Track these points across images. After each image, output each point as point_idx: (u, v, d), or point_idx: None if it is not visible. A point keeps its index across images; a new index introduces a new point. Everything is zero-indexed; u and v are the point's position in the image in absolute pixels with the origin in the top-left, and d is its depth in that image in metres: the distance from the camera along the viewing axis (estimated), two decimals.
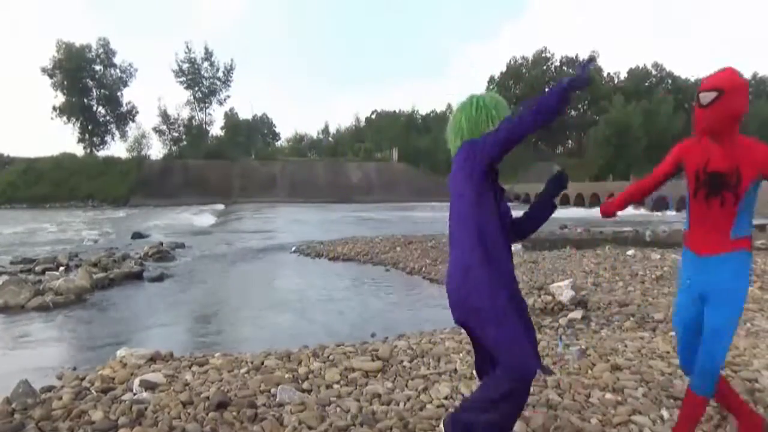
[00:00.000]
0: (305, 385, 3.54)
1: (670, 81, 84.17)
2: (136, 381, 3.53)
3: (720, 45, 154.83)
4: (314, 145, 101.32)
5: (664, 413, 2.98)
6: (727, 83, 2.21)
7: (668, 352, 4.00)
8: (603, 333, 4.85)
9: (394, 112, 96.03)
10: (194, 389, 3.44)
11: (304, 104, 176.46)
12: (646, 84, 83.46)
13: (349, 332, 5.77)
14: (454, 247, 2.31)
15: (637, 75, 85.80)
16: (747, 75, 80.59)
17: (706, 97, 2.25)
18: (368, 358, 4.03)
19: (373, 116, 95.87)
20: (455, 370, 3.75)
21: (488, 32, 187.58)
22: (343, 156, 79.59)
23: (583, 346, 4.15)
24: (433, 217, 29.23)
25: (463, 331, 5.07)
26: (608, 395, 3.22)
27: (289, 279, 9.99)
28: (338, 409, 3.14)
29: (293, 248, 14.17)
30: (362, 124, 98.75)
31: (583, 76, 1.93)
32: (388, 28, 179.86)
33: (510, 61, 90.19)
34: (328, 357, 4.14)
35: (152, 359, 4.25)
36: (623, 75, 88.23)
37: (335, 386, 3.54)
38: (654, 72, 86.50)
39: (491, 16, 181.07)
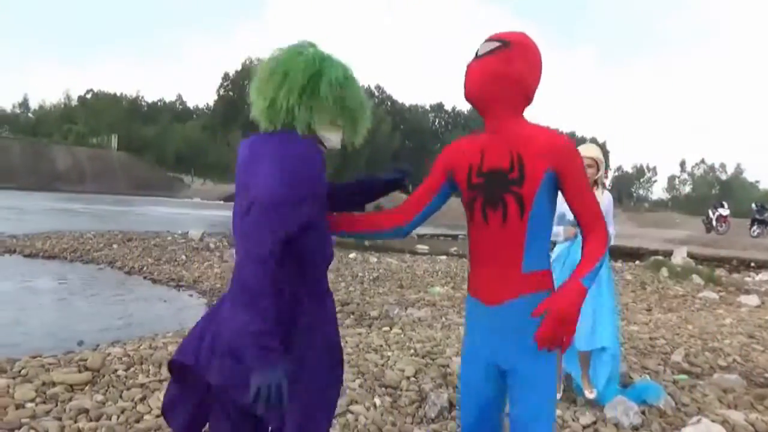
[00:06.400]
0: None
1: (389, 103, 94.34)
2: None
3: (433, 77, 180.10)
4: (7, 121, 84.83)
5: (377, 400, 3.29)
6: (517, 37, 1.62)
7: (381, 346, 4.44)
8: None
9: (115, 95, 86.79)
10: None
11: None
12: None
13: (51, 341, 4.97)
14: None
15: None
16: (447, 108, 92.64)
17: (486, 46, 1.62)
18: (74, 370, 3.53)
19: (89, 96, 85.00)
20: None
21: (224, 28, 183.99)
22: (48, 137, 68.52)
23: None
24: (161, 214, 27.22)
25: None
26: None
27: None
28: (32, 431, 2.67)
29: None
30: (74, 103, 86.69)
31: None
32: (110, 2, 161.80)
33: (245, 60, 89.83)
34: (20, 371, 3.49)
35: None
36: None
37: (29, 405, 3.00)
38: (377, 93, 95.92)
39: (228, 12, 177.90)
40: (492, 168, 1.60)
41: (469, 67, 1.63)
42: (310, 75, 1.50)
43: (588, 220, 1.60)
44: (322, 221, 1.59)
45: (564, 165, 1.55)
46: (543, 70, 1.67)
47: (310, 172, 1.47)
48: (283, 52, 1.57)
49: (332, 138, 1.62)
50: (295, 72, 1.50)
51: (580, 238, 3.58)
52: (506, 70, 1.56)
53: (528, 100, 1.64)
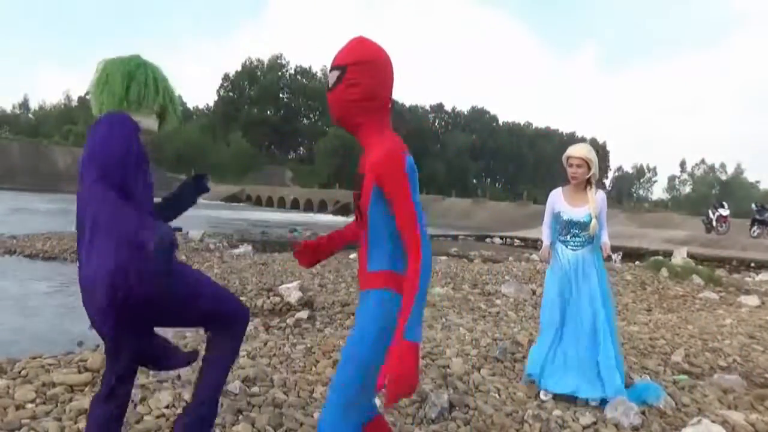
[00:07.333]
0: None
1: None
2: None
3: (433, 78, 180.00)
4: (8, 121, 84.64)
5: (377, 401, 3.28)
6: (352, 56, 1.72)
7: None
8: (327, 331, 5.14)
9: None
10: None
11: None
12: None
13: (51, 342, 4.97)
14: None
15: None
16: (447, 109, 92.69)
17: (332, 76, 1.76)
18: (74, 370, 3.52)
19: (89, 97, 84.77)
20: (179, 376, 3.53)
21: (224, 28, 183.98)
22: (49, 138, 68.49)
23: (308, 345, 4.34)
24: None
25: (198, 331, 4.82)
26: None
27: None
28: None
29: None
30: (74, 103, 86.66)
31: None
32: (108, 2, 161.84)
33: (245, 61, 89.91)
34: (20, 372, 3.49)
35: None
36: None
37: (29, 406, 3.00)
38: None
39: (228, 12, 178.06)
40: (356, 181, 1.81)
41: (327, 98, 1.79)
42: (126, 76, 2.01)
43: (406, 241, 1.66)
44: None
45: (381, 178, 1.66)
46: (390, 66, 1.77)
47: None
48: (110, 60, 2.07)
49: (143, 121, 2.05)
50: (116, 74, 2.02)
51: (559, 241, 3.63)
52: (351, 97, 1.71)
53: (384, 105, 1.78)
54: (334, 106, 1.77)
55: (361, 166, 1.80)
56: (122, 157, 1.88)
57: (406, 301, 1.62)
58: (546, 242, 3.72)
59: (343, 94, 1.72)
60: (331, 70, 1.76)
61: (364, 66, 1.71)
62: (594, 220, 3.50)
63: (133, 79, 2.01)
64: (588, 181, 3.60)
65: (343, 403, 1.78)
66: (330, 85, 1.76)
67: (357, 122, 1.76)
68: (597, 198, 3.57)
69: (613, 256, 19.29)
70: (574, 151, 3.58)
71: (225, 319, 2.18)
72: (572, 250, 3.59)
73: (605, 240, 3.61)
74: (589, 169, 3.54)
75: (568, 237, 3.60)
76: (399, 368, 1.57)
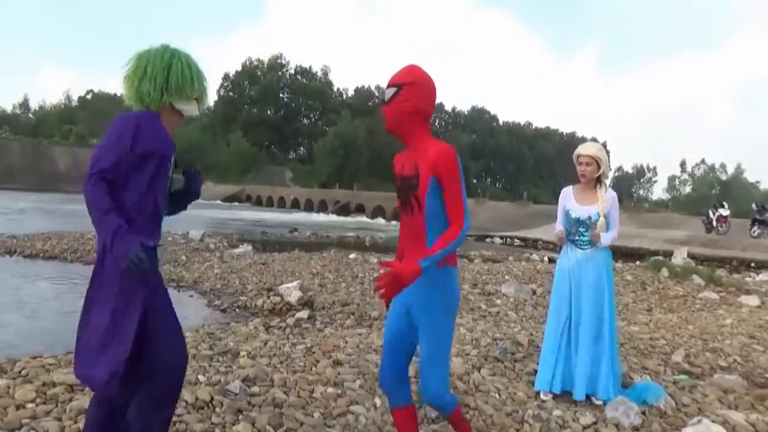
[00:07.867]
0: None
1: None
2: None
3: (433, 78, 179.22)
4: (8, 121, 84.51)
5: (377, 401, 3.29)
6: (407, 78, 2.19)
7: (381, 346, 4.43)
8: (327, 331, 5.14)
9: (115, 95, 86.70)
10: None
11: None
12: (370, 103, 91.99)
13: (51, 342, 4.97)
14: None
15: (363, 94, 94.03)
16: (447, 109, 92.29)
17: (388, 92, 2.22)
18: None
19: (89, 96, 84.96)
20: None
21: (224, 28, 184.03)
22: (49, 138, 68.49)
23: (308, 344, 4.33)
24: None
25: (199, 331, 4.82)
26: (330, 389, 3.42)
27: None
28: None
29: None
30: (74, 103, 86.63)
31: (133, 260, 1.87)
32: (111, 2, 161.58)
33: (245, 61, 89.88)
34: (20, 372, 3.49)
35: None
36: (351, 92, 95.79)
37: (29, 405, 3.00)
38: (377, 93, 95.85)
39: (228, 12, 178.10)
40: (405, 176, 2.22)
41: (382, 110, 2.24)
42: (165, 67, 2.08)
43: (452, 217, 2.11)
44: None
45: (440, 171, 2.09)
46: (434, 88, 2.22)
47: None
48: (145, 52, 2.12)
49: (186, 109, 2.21)
50: (153, 66, 2.07)
51: (569, 240, 3.62)
52: (405, 109, 2.15)
53: (428, 117, 2.23)
54: (389, 116, 2.20)
55: (396, 162, 2.29)
56: (115, 162, 1.94)
57: (435, 247, 2.04)
58: (559, 227, 3.66)
59: (398, 106, 2.16)
60: (388, 87, 2.21)
61: (416, 86, 2.16)
62: (602, 219, 3.48)
63: (171, 69, 2.10)
64: (598, 180, 3.59)
65: (444, 374, 2.20)
66: (387, 99, 2.20)
67: (406, 128, 2.19)
68: (607, 197, 3.54)
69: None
70: (584, 149, 3.58)
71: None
72: (581, 249, 3.56)
73: (609, 236, 3.51)
74: (599, 167, 3.52)
75: (577, 236, 3.57)
76: (402, 271, 1.96)
